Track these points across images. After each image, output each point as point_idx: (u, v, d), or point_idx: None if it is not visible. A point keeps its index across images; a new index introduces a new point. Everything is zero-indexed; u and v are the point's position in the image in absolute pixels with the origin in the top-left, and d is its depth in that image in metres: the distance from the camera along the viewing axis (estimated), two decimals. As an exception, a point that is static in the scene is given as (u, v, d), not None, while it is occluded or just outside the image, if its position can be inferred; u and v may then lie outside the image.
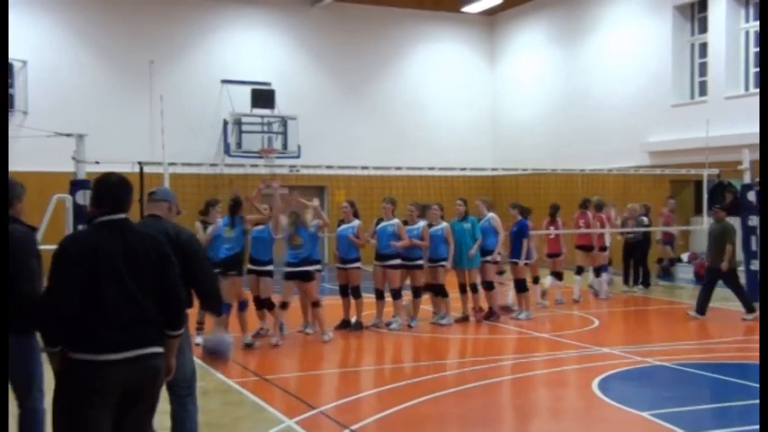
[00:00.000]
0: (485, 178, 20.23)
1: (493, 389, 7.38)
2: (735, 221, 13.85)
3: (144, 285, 3.49)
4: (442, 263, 10.43)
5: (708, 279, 11.51)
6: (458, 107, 22.06)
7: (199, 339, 8.20)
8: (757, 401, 6.66)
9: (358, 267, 10.17)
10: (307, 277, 9.44)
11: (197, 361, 5.10)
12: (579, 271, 13.19)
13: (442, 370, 8.29)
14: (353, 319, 10.17)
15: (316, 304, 9.55)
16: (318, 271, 9.92)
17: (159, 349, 3.56)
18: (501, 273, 11.99)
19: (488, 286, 10.89)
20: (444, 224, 10.49)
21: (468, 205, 10.91)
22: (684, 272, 16.14)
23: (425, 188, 15.93)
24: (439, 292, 10.55)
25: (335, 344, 9.42)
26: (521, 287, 11.08)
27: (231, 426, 5.99)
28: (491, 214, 11.04)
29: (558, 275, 12.78)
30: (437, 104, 21.90)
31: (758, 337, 10.55)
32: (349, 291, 10.19)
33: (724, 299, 13.41)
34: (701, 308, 11.23)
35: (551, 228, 12.88)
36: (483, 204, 11.12)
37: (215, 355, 4.60)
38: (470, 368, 8.32)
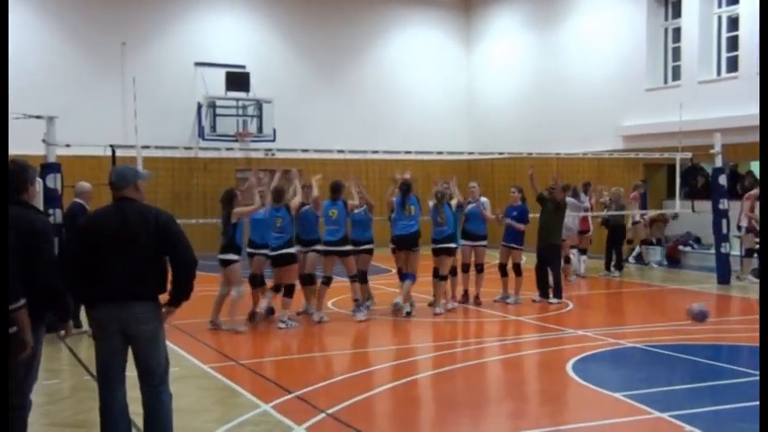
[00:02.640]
0: (461, 162, 20.24)
1: (469, 372, 7.40)
2: (706, 205, 14.10)
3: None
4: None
5: (541, 259, 11.19)
6: (434, 91, 22.00)
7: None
8: (728, 382, 6.78)
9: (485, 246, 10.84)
10: (450, 252, 10.06)
11: (169, 346, 5.03)
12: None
13: (419, 353, 8.30)
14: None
15: (444, 278, 10.21)
16: (457, 246, 10.51)
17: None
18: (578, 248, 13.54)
19: (480, 269, 10.95)
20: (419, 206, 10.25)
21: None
22: (655, 254, 16.32)
23: (402, 172, 15.91)
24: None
25: (310, 329, 9.38)
26: (518, 271, 11.05)
27: (207, 410, 5.95)
28: (484, 198, 11.05)
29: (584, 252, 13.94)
30: (413, 88, 21.82)
31: (727, 318, 10.72)
32: (472, 268, 10.84)
33: (695, 281, 13.60)
34: (545, 291, 11.08)
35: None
36: (477, 188, 11.04)
37: None
38: (447, 351, 8.33)
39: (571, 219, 13.26)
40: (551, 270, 11.10)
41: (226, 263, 9.07)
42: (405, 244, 9.98)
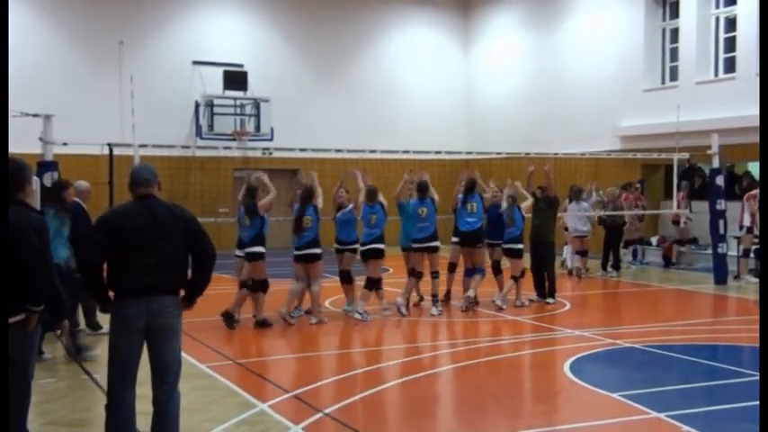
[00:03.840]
0: (459, 162, 20.24)
1: (466, 372, 7.40)
2: (703, 205, 14.12)
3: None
4: (352, 246, 10.13)
5: (538, 258, 11.11)
6: (432, 91, 22.01)
7: None
8: (724, 382, 6.79)
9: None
10: (517, 254, 10.63)
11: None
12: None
13: (416, 353, 8.30)
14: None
15: (516, 278, 10.73)
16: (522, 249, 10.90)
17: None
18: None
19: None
20: (351, 205, 10.14)
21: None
22: (653, 255, 16.34)
23: (399, 171, 15.78)
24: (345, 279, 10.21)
25: (305, 328, 9.38)
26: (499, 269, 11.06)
27: (204, 410, 5.94)
28: (486, 196, 11.09)
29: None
30: (412, 88, 21.83)
31: (724, 318, 10.73)
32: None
33: (692, 281, 13.63)
34: (542, 291, 11.05)
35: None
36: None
37: None
38: (444, 351, 8.34)
39: (581, 220, 13.77)
40: (546, 269, 11.09)
41: (316, 257, 9.49)
42: (469, 240, 10.42)
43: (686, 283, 13.55)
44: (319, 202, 9.69)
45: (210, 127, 18.80)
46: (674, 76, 16.96)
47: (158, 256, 4.41)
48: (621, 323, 10.03)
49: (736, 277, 13.34)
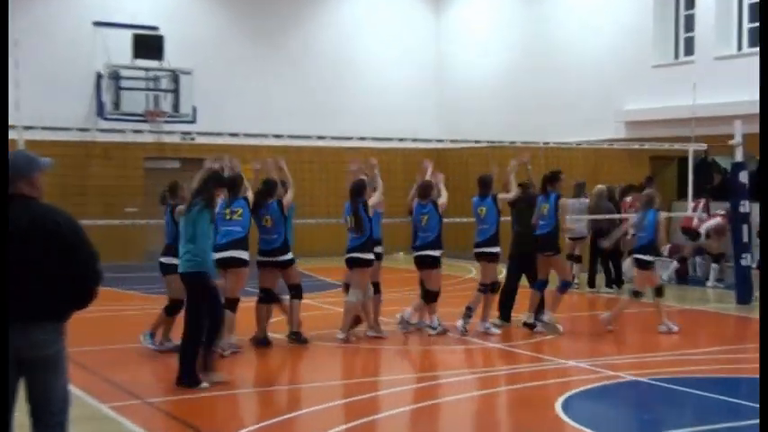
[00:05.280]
0: (428, 151, 20.33)
1: (444, 409, 7.46)
2: (722, 207, 14.35)
3: None
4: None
5: (519, 273, 11.22)
6: (395, 65, 22.09)
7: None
8: (749, 422, 6.92)
9: None
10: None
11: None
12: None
13: (388, 386, 8.31)
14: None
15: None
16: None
17: None
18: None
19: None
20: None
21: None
22: (663, 268, 16.57)
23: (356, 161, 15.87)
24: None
25: (232, 358, 9.31)
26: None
27: (104, 462, 5.86)
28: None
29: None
30: (369, 60, 21.89)
31: (746, 346, 10.96)
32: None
33: (701, 300, 13.86)
34: (508, 313, 11.13)
35: None
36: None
37: None
38: (420, 385, 8.38)
39: (579, 220, 14.29)
40: (530, 284, 11.15)
41: (364, 263, 9.65)
42: (538, 247, 10.76)
43: (702, 302, 13.78)
44: (375, 197, 9.82)
45: (116, 105, 18.60)
46: (689, 50, 17.28)
47: (19, 276, 4.25)
48: (624, 351, 10.17)
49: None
